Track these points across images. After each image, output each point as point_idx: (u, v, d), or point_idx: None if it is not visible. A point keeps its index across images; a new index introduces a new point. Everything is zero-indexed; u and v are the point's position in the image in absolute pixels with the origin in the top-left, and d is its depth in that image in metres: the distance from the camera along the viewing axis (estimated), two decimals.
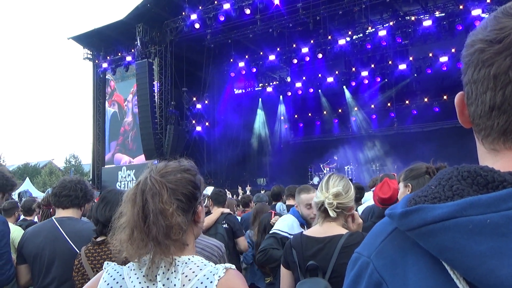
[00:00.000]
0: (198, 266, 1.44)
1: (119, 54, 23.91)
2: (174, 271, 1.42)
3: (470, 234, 0.60)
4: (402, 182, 2.82)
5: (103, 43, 24.35)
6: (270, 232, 3.76)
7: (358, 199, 6.55)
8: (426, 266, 0.65)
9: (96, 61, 25.19)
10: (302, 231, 2.69)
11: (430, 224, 0.63)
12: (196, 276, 1.41)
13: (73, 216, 3.20)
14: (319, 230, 2.51)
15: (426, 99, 22.02)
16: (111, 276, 1.50)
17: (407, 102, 22.82)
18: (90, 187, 3.37)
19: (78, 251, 2.82)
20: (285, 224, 3.70)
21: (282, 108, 26.89)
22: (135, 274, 1.46)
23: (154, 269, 1.43)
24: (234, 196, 13.00)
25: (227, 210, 5.12)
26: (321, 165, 22.61)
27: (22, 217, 6.31)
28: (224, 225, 4.98)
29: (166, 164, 1.56)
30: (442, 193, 0.67)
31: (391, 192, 3.59)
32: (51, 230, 3.11)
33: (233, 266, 1.47)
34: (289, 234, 3.51)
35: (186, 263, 1.45)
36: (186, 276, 1.42)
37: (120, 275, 1.50)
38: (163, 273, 1.42)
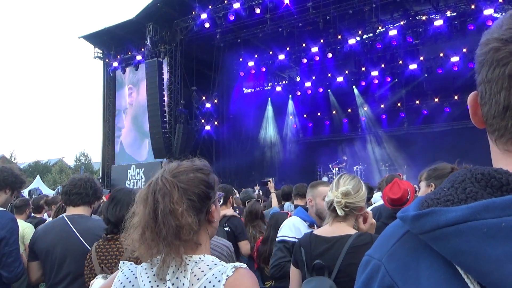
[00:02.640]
0: (208, 265, 1.44)
1: (129, 53, 23.98)
2: (184, 270, 1.43)
3: (484, 238, 0.59)
4: (424, 181, 2.79)
5: (114, 42, 24.46)
6: (277, 239, 3.57)
7: (367, 200, 6.54)
8: (439, 270, 0.65)
9: (107, 60, 25.29)
10: (312, 231, 2.68)
11: (443, 227, 0.62)
12: (205, 275, 1.41)
13: (83, 214, 3.24)
14: (328, 229, 2.52)
15: (436, 99, 21.87)
16: (125, 276, 1.52)
17: (417, 102, 22.67)
18: (99, 184, 3.41)
19: (90, 248, 2.86)
20: (290, 229, 3.54)
21: (291, 108, 26.85)
22: (146, 273, 1.47)
23: (164, 269, 1.43)
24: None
25: (230, 212, 5.01)
26: (330, 165, 22.53)
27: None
28: (225, 228, 4.87)
29: (179, 164, 1.57)
30: (455, 195, 0.67)
31: (401, 192, 3.57)
32: (63, 227, 3.15)
33: (244, 265, 1.46)
34: (297, 239, 3.42)
35: (196, 262, 1.45)
36: (195, 275, 1.42)
37: (134, 274, 1.51)
38: (173, 272, 1.43)
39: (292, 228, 3.52)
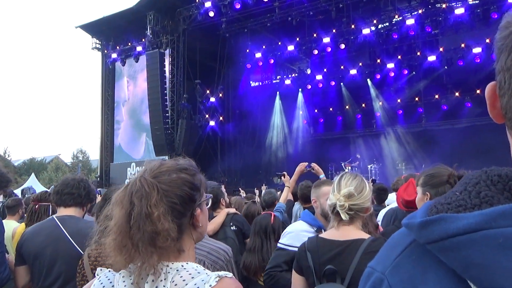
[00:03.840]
0: (190, 274, 1.41)
1: (129, 44, 24.09)
2: (164, 279, 1.39)
3: (500, 249, 0.56)
4: (421, 188, 2.75)
5: (113, 32, 24.57)
6: (277, 247, 3.40)
7: (381, 201, 6.47)
8: (449, 285, 0.61)
9: (105, 51, 25.42)
10: (318, 234, 2.64)
11: (453, 236, 0.59)
12: (186, 284, 1.38)
13: (75, 215, 3.23)
14: (336, 233, 2.48)
15: (457, 94, 21.74)
16: (102, 284, 1.50)
17: (436, 96, 22.54)
18: (93, 186, 3.41)
19: (81, 251, 2.85)
20: (292, 236, 3.31)
21: (301, 102, 26.81)
22: (124, 281, 1.45)
23: (143, 277, 1.40)
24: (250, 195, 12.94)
25: (233, 210, 5.03)
26: (343, 164, 22.45)
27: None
28: (232, 227, 4.87)
29: (162, 163, 1.53)
30: (468, 200, 0.63)
31: (416, 194, 3.52)
32: (52, 229, 3.15)
33: (230, 274, 1.43)
34: (296, 247, 3.26)
35: (178, 270, 1.42)
36: (176, 284, 1.39)
37: (111, 282, 1.49)
38: (153, 280, 1.40)
39: (294, 235, 3.30)
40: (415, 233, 0.65)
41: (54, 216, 3.24)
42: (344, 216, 2.39)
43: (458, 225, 0.59)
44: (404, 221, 0.68)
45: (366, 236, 2.44)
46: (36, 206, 4.15)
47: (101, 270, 1.56)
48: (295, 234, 3.28)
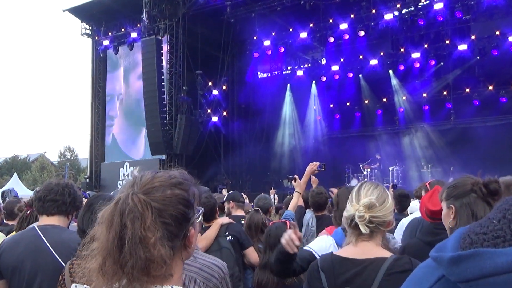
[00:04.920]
0: None
1: (123, 29, 24.15)
2: None
3: None
4: (445, 202, 2.72)
5: (104, 17, 24.64)
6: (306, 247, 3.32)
7: (403, 209, 6.43)
8: None
9: (96, 37, 25.51)
10: (332, 252, 2.61)
11: (490, 276, 0.55)
12: None
13: (58, 225, 3.22)
14: (354, 250, 2.45)
15: (490, 87, 21.61)
16: None
17: (467, 90, 22.42)
18: (79, 192, 3.41)
19: (64, 264, 2.85)
20: (321, 245, 3.26)
21: (314, 96, 26.74)
22: None
23: None
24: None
25: (227, 220, 5.06)
26: (361, 165, 22.40)
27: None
28: (228, 237, 4.90)
29: (153, 176, 1.49)
30: (507, 231, 0.59)
31: None
32: (32, 239, 3.15)
33: None
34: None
35: None
36: None
37: None
38: None
39: (324, 246, 3.23)
40: (444, 269, 0.62)
41: (35, 225, 3.25)
42: (364, 229, 2.36)
43: (496, 262, 0.56)
44: (432, 253, 0.65)
45: (388, 254, 2.40)
46: (28, 212, 4.15)
47: (75, 286, 1.54)
48: (322, 244, 3.25)
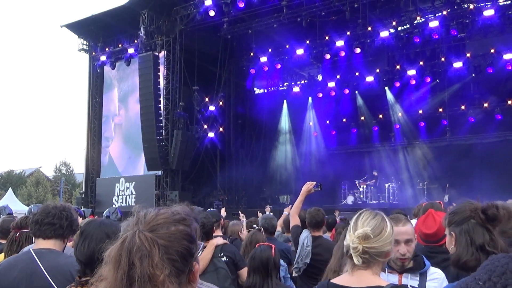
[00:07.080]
0: None
1: (120, 45, 24.16)
2: None
3: None
4: (447, 228, 2.76)
5: (102, 33, 24.68)
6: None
7: None
8: None
9: (93, 53, 25.51)
10: (329, 280, 2.61)
11: None
12: None
13: (54, 249, 3.21)
14: (350, 278, 2.44)
15: (486, 105, 21.65)
16: None
17: (462, 107, 22.45)
18: (76, 215, 3.40)
19: None
20: None
21: (311, 112, 26.80)
22: None
23: None
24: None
25: (221, 241, 5.03)
26: (357, 182, 22.40)
27: None
28: (223, 258, 4.89)
29: (157, 214, 1.51)
30: None
31: (436, 226, 3.52)
32: (27, 262, 3.12)
33: None
34: None
35: None
36: None
37: None
38: None
39: None
40: None
41: (31, 248, 3.23)
42: (356, 260, 2.34)
43: None
44: None
45: (384, 283, 2.39)
46: (17, 234, 4.11)
47: None
48: None
